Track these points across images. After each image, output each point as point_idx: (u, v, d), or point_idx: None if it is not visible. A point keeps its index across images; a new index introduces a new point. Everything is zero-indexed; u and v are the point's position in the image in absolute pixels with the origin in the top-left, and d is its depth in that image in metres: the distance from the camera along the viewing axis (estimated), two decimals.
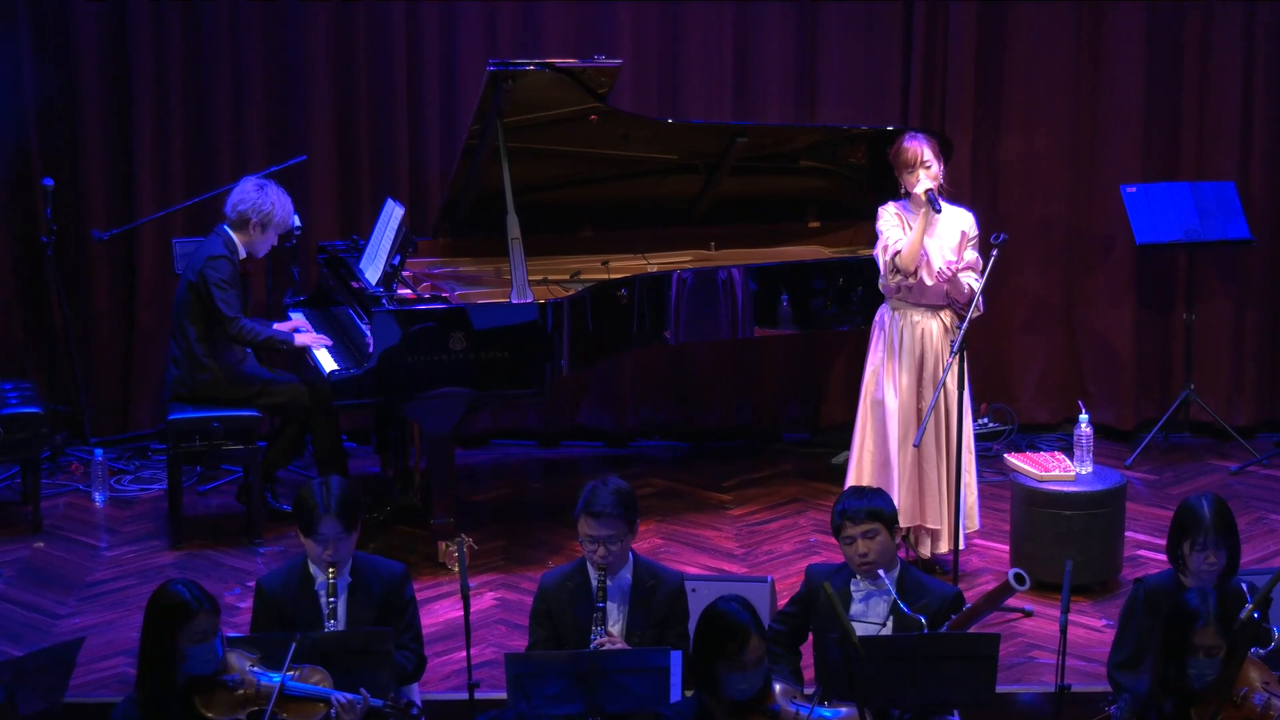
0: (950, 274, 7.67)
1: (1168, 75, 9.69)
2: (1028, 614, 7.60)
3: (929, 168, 7.69)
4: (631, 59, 9.37)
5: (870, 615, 6.00)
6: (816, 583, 6.03)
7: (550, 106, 8.31)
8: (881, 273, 7.80)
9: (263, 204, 8.34)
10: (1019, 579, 5.88)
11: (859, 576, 6.02)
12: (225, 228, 8.39)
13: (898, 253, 7.68)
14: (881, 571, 5.99)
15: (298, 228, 8.93)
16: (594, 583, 5.99)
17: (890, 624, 5.97)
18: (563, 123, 8.42)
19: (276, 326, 8.52)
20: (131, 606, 7.65)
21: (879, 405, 7.83)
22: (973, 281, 7.71)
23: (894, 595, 5.93)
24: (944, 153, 7.90)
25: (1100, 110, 9.73)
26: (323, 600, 5.95)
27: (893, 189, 7.93)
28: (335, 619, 5.92)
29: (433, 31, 9.52)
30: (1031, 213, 9.78)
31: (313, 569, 6.02)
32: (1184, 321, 9.67)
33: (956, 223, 7.78)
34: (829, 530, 8.45)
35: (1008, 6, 9.64)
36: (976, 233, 7.82)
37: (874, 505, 6.02)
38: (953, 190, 7.98)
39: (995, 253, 7.42)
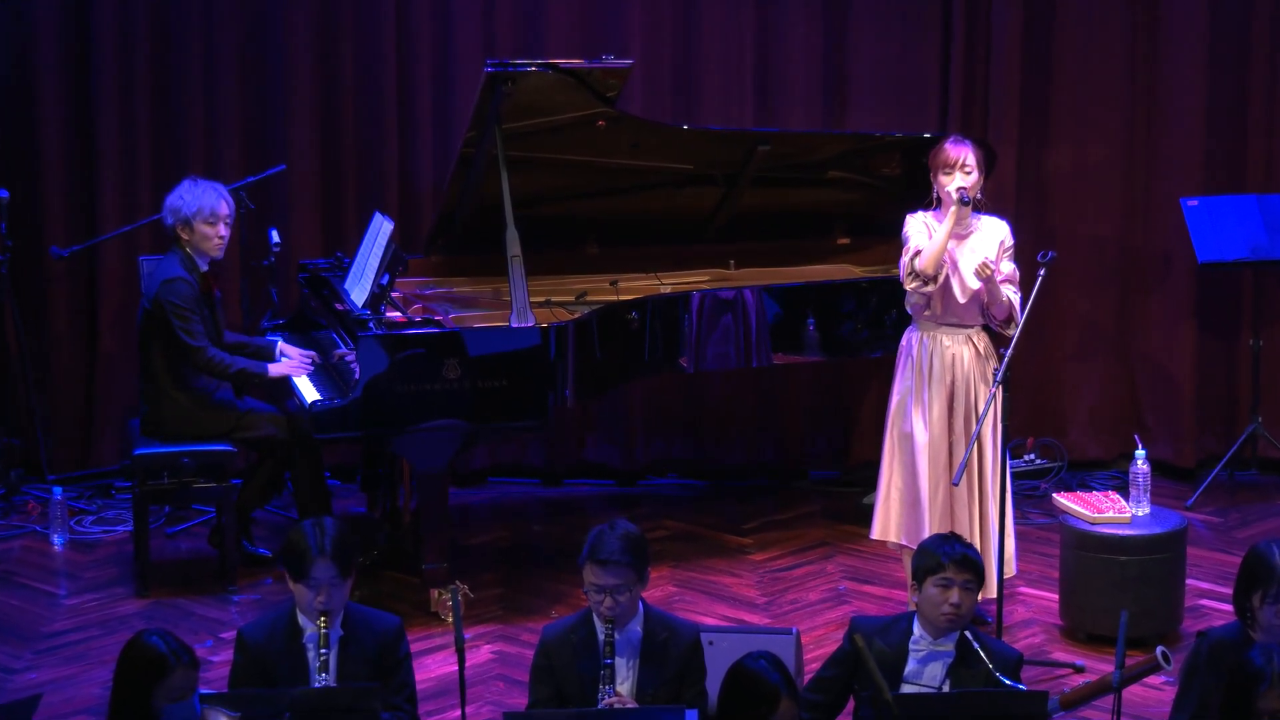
0: (990, 273, 7.59)
1: (1232, 77, 9.70)
2: (1079, 669, 7.60)
3: (969, 173, 7.69)
4: (643, 59, 9.40)
5: (925, 678, 5.98)
6: (863, 637, 5.99)
7: (554, 111, 8.33)
8: (900, 277, 7.77)
9: (174, 205, 8.35)
10: (1165, 658, 5.88)
11: (930, 629, 5.99)
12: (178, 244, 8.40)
13: (918, 253, 7.66)
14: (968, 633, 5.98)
15: (276, 244, 8.95)
16: (601, 636, 5.99)
17: (947, 687, 5.95)
18: (567, 129, 8.45)
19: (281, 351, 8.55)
20: (93, 660, 7.67)
21: (907, 438, 7.82)
22: (1012, 294, 7.70)
23: (983, 659, 5.91)
24: (988, 165, 7.90)
25: (1157, 116, 9.74)
26: (311, 654, 5.95)
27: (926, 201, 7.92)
28: (327, 672, 5.92)
29: (425, 28, 9.54)
30: (1082, 229, 9.78)
31: (301, 619, 6.02)
32: (1250, 347, 9.66)
33: (993, 233, 7.77)
34: (860, 577, 8.56)
35: (1055, 1, 9.66)
36: (1013, 241, 7.82)
37: (978, 559, 6.05)
38: (988, 204, 7.95)
39: (1042, 272, 7.39)
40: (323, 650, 5.92)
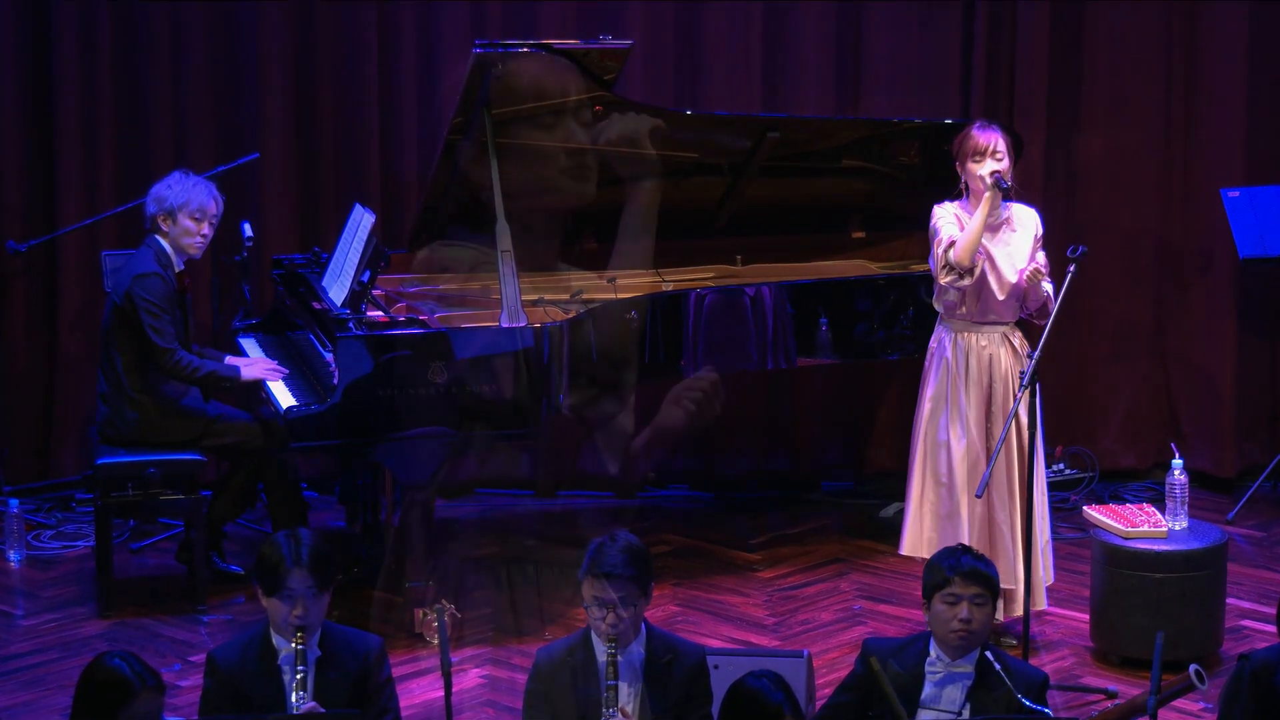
0: (1042, 276, 7.65)
1: (1276, 60, 9.73)
2: (1111, 695, 7.58)
3: (1000, 160, 7.73)
4: (644, 39, 9.43)
5: (944, 702, 6.01)
6: (878, 659, 6.02)
7: (547, 96, 8.34)
8: (933, 272, 7.79)
9: (160, 194, 8.40)
10: (1199, 676, 5.92)
11: (945, 649, 6.03)
12: (155, 237, 8.43)
13: (952, 243, 7.69)
14: (990, 652, 6.02)
15: (249, 238, 8.98)
16: (601, 657, 5.99)
17: (967, 712, 5.99)
18: (562, 115, 8.47)
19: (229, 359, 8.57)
20: (52, 685, 7.69)
21: (942, 447, 7.82)
22: (1047, 286, 7.75)
23: (1005, 680, 5.95)
24: (1016, 152, 7.92)
25: (1197, 99, 9.77)
26: (287, 675, 5.97)
27: (951, 192, 7.95)
28: (305, 690, 5.94)
29: (409, 4, 9.56)
30: (1116, 222, 9.81)
31: (275, 639, 6.04)
32: None
33: (1025, 223, 7.80)
34: (876, 596, 8.59)
35: None
36: (1042, 230, 7.86)
37: (990, 572, 6.07)
38: (1016, 194, 7.98)
39: (1072, 268, 7.41)
40: (299, 667, 5.94)
